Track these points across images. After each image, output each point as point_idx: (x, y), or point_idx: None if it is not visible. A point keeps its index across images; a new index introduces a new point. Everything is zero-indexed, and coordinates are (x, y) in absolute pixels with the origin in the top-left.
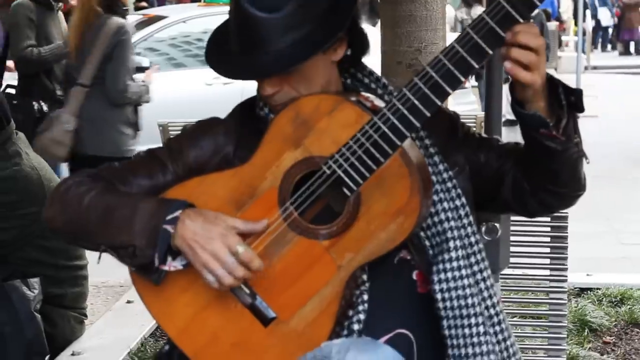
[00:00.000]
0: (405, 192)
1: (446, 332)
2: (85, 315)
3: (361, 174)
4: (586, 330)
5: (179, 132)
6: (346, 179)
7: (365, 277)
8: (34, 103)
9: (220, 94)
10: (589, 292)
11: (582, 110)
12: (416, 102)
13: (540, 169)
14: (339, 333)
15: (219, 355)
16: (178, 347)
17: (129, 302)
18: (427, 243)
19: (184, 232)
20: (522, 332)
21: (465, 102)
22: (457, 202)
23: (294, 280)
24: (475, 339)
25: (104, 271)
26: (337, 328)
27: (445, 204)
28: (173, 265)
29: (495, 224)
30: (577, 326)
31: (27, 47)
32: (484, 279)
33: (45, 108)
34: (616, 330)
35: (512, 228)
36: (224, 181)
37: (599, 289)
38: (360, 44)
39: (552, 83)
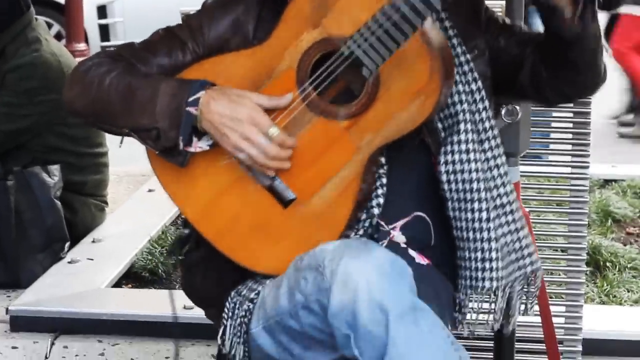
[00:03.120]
0: (425, 72)
1: (450, 214)
2: (106, 203)
3: (380, 55)
4: (609, 221)
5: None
6: (365, 60)
7: (383, 160)
8: None
9: None
10: (613, 183)
11: None
12: None
13: (558, 58)
14: (359, 217)
15: (238, 237)
16: (197, 231)
17: (150, 190)
18: (440, 125)
19: (210, 115)
20: (541, 219)
21: None
22: (473, 86)
23: (313, 161)
24: (477, 225)
25: (126, 160)
26: (357, 212)
27: (460, 87)
28: (199, 146)
29: (516, 107)
30: (600, 217)
31: None
32: (497, 166)
33: None
34: None
35: (532, 109)
36: (241, 61)
37: (624, 180)
38: None
39: None
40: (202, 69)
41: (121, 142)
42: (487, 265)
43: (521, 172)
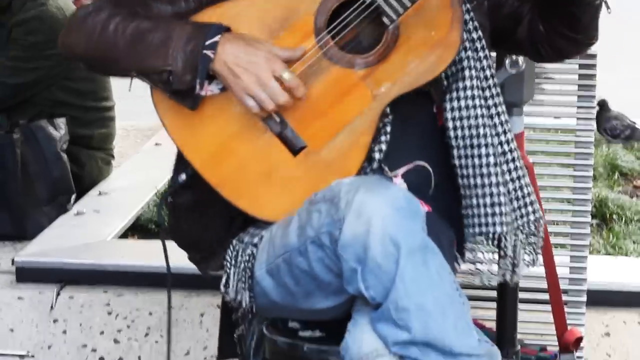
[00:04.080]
0: (446, 24)
1: (456, 162)
2: (113, 157)
3: (402, 3)
4: (616, 174)
5: None
6: (386, 8)
7: (388, 108)
8: None
9: None
10: None
11: None
12: None
13: (559, 12)
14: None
15: (244, 185)
16: (195, 176)
17: (157, 144)
18: (443, 73)
19: (226, 56)
20: (547, 170)
21: None
22: (474, 35)
23: (327, 110)
24: (484, 170)
25: (134, 115)
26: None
27: (463, 34)
28: (209, 89)
29: (519, 57)
30: (607, 170)
31: None
32: (498, 114)
33: None
34: None
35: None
36: (257, 7)
37: None
38: None
39: None
40: (216, 13)
41: (130, 85)
42: (497, 209)
43: (526, 124)
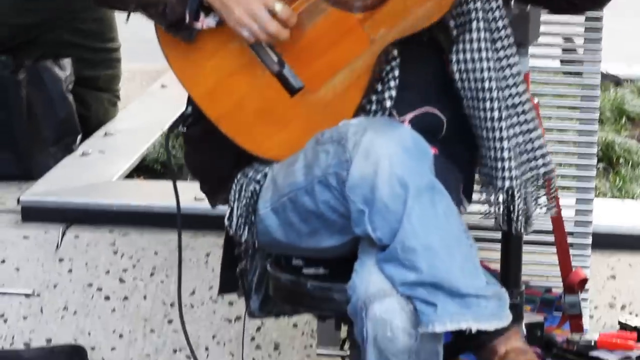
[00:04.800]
0: None
1: (467, 112)
2: (119, 98)
3: None
4: (623, 119)
5: None
6: None
7: (395, 52)
8: None
9: None
10: (629, 82)
11: None
12: None
13: None
14: (369, 109)
15: (242, 121)
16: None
17: (163, 86)
18: (452, 23)
19: None
20: (553, 112)
21: None
22: None
23: (325, 51)
24: (489, 124)
25: (140, 57)
26: (367, 105)
27: None
28: (206, 22)
29: None
30: (614, 114)
31: None
32: (509, 66)
33: None
34: None
35: None
36: None
37: None
38: None
39: None
40: None
41: (127, 18)
42: (500, 164)
43: (532, 66)
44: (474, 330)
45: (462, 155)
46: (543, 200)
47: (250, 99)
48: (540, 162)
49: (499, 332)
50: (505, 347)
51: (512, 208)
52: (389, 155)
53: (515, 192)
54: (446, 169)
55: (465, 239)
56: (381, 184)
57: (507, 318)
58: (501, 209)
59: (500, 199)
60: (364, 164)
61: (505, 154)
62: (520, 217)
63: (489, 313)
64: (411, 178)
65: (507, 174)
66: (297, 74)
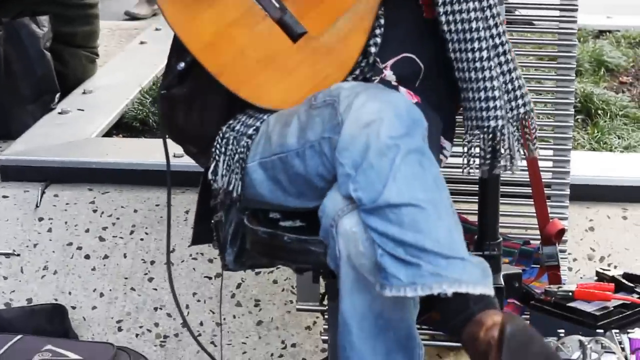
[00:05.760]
0: None
1: (452, 55)
2: (97, 55)
3: None
4: (602, 70)
5: None
6: None
7: None
8: None
9: None
10: (607, 34)
11: None
12: None
13: None
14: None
15: (244, 71)
16: (198, 65)
17: (142, 42)
18: None
19: None
20: (530, 62)
21: None
22: None
23: None
24: (478, 64)
25: (119, 15)
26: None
27: None
28: None
29: None
30: (593, 66)
31: None
32: (490, 7)
33: None
34: (633, 71)
35: None
36: None
37: (618, 31)
38: None
39: None
40: None
41: None
42: (491, 104)
43: (507, 14)
44: (462, 290)
45: (442, 100)
46: (529, 141)
47: (252, 49)
48: (520, 102)
49: (484, 305)
50: (492, 319)
51: (498, 148)
52: (381, 119)
53: (505, 131)
54: (428, 116)
55: (452, 213)
56: (372, 145)
57: (491, 288)
58: (487, 153)
59: (487, 142)
60: (354, 126)
61: (496, 93)
62: (507, 157)
63: (474, 278)
64: (401, 141)
65: (499, 112)
66: (299, 18)
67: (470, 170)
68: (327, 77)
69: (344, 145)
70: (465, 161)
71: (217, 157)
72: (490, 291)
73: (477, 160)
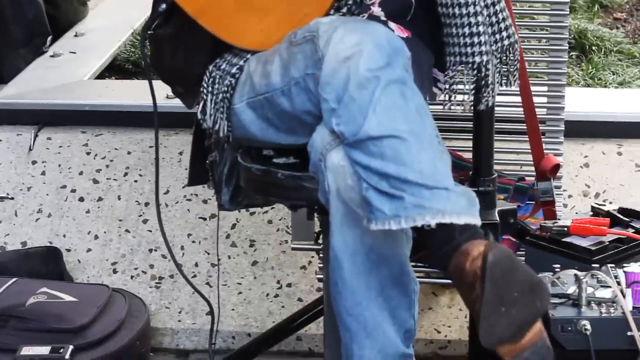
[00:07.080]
0: None
1: None
2: None
3: None
4: (596, 6)
5: None
6: None
7: None
8: None
9: None
10: None
11: None
12: None
13: None
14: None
15: (222, 12)
16: (175, 7)
17: None
18: None
19: None
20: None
21: None
22: None
23: None
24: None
25: None
26: None
27: None
28: None
29: None
30: (587, 2)
31: None
32: None
33: None
34: (627, 7)
35: None
36: None
37: None
38: None
39: None
40: None
41: None
42: (476, 39)
43: None
44: (445, 221)
45: (433, 34)
46: (511, 72)
47: None
48: (504, 34)
49: (470, 235)
50: (478, 249)
51: (483, 83)
52: (360, 51)
53: (489, 66)
54: (419, 50)
55: (437, 143)
56: (350, 79)
57: (477, 218)
58: (471, 87)
59: (471, 77)
60: (335, 61)
61: (481, 29)
62: (492, 92)
63: (458, 208)
64: (381, 72)
65: (483, 48)
66: None
67: (452, 106)
68: (306, 15)
69: (325, 80)
70: (447, 97)
71: (204, 97)
72: (476, 220)
73: (459, 96)
